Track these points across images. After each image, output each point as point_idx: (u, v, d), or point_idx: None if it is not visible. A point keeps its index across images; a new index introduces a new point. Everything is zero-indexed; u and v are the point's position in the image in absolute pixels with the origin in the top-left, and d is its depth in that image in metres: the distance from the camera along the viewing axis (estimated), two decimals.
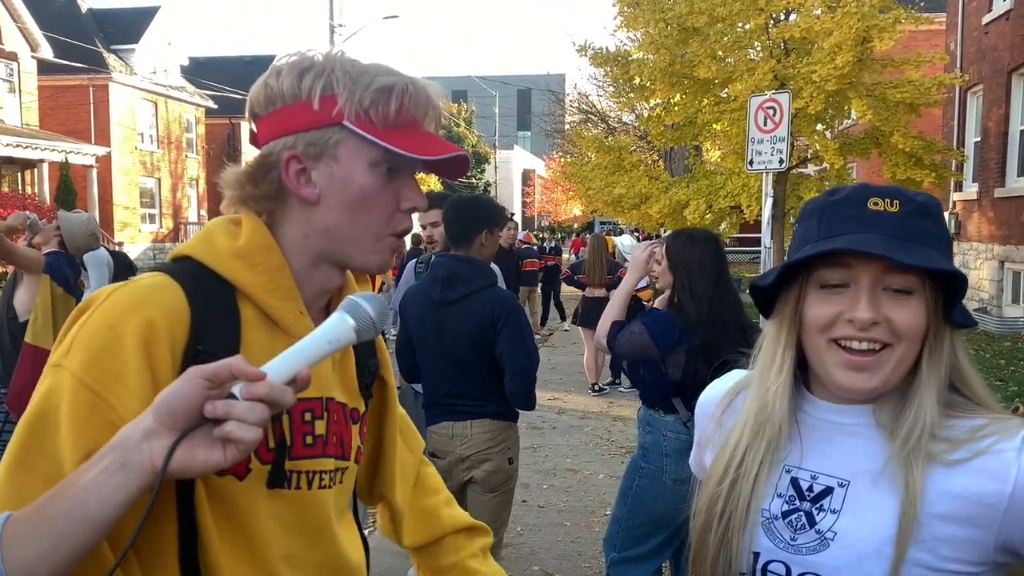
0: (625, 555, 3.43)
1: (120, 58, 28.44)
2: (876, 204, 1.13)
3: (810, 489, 1.18)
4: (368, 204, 1.16)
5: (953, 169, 13.81)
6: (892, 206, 1.12)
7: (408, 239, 16.08)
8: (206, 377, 0.91)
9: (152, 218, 29.96)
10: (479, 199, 3.76)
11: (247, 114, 1.20)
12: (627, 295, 3.53)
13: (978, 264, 14.46)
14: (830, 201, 1.17)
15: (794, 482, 1.20)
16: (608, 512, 5.47)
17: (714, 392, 1.40)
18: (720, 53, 12.12)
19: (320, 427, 1.16)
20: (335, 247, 1.18)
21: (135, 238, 28.17)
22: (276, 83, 1.14)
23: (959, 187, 15.28)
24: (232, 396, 0.92)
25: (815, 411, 1.21)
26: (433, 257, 4.68)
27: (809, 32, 11.32)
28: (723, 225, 13.99)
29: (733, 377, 1.37)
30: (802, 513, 1.17)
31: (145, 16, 30.20)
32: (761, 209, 8.75)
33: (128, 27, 29.30)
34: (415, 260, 4.86)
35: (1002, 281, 13.61)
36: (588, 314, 9.60)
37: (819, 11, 11.52)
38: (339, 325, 1.03)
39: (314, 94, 1.12)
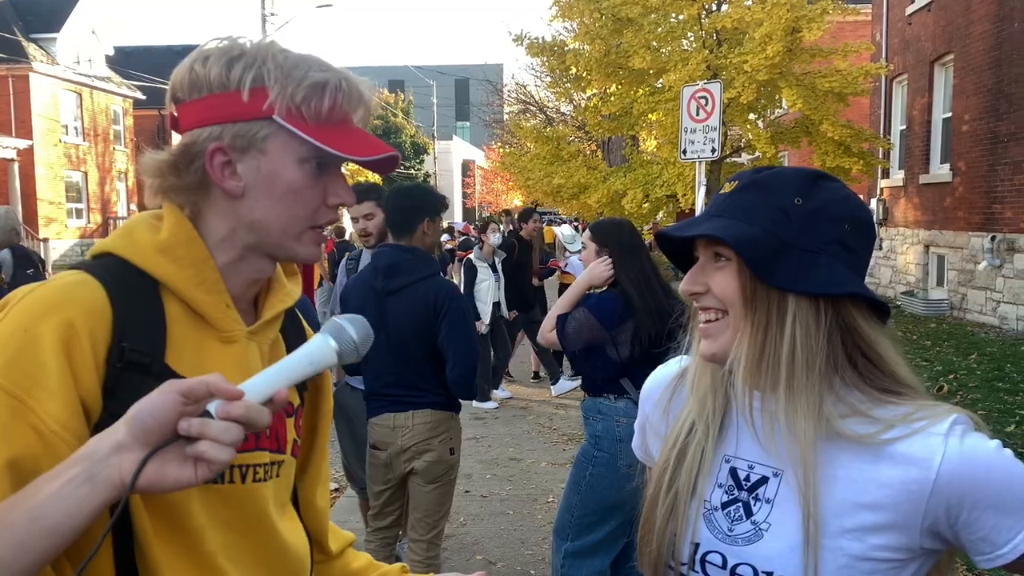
0: (579, 545, 3.42)
1: (41, 47, 27.43)
2: (724, 188, 1.18)
3: (747, 479, 1.17)
4: (295, 199, 1.14)
5: (880, 157, 14.22)
6: (731, 187, 1.16)
7: (332, 232, 15.67)
8: (182, 393, 0.89)
9: (79, 213, 29.03)
10: (420, 188, 3.74)
11: (168, 97, 1.16)
12: (575, 297, 3.54)
13: (904, 249, 14.94)
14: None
15: (732, 472, 1.19)
16: (551, 500, 5.52)
17: (660, 377, 1.39)
18: (654, 43, 12.25)
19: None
20: (261, 239, 1.15)
21: (61, 233, 27.28)
22: (203, 70, 1.10)
23: (886, 174, 15.75)
24: (207, 413, 0.90)
25: (750, 399, 1.18)
26: (364, 251, 4.65)
27: (740, 23, 11.53)
28: (660, 214, 14.17)
29: (679, 362, 1.35)
30: (740, 504, 1.16)
31: (66, 4, 29.13)
32: (695, 198, 8.88)
33: (49, 15, 28.25)
34: (346, 257, 4.80)
35: (927, 265, 14.09)
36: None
37: (750, 2, 11.74)
38: (321, 347, 1.02)
39: (244, 85, 1.09)
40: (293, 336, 1.30)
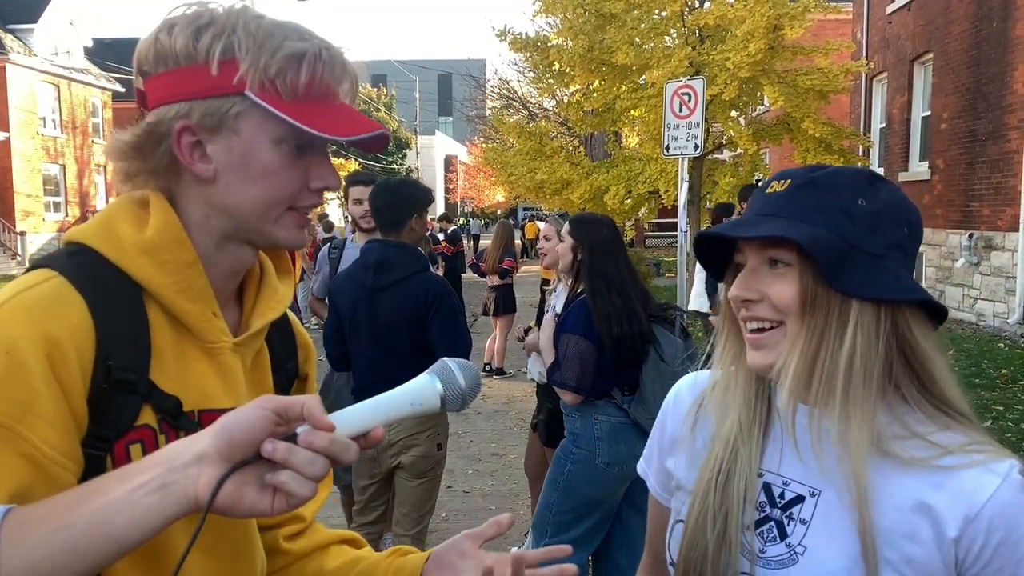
0: (556, 540, 3.40)
1: (18, 38, 27.08)
2: (772, 187, 1.10)
3: (781, 496, 1.09)
4: (271, 182, 1.03)
5: (860, 154, 14.33)
6: (782, 186, 1.09)
7: (320, 225, 15.52)
8: (277, 411, 0.83)
9: (57, 206, 28.71)
10: (406, 183, 3.73)
11: (135, 71, 1.05)
12: (547, 348, 3.57)
13: None
14: (756, 190, 1.15)
15: (766, 488, 1.11)
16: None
17: (681, 393, 1.29)
18: (637, 40, 12.27)
19: None
20: (238, 225, 1.05)
21: (39, 227, 26.96)
22: (168, 40, 0.99)
23: None
24: (294, 436, 0.84)
25: (795, 412, 1.09)
26: (350, 239, 4.65)
27: (723, 20, 11.57)
28: (642, 210, 14.21)
29: (694, 378, 1.28)
30: (773, 523, 1.09)
31: None
32: (678, 194, 8.92)
33: (26, 6, 27.89)
34: (328, 246, 4.81)
35: None
36: (495, 303, 9.70)
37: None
38: (426, 389, 0.96)
39: (212, 57, 0.98)
40: (278, 342, 1.21)
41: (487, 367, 9.78)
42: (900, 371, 1.05)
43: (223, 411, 1.01)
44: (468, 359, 3.40)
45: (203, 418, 1.02)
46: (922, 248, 13.12)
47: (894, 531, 1.00)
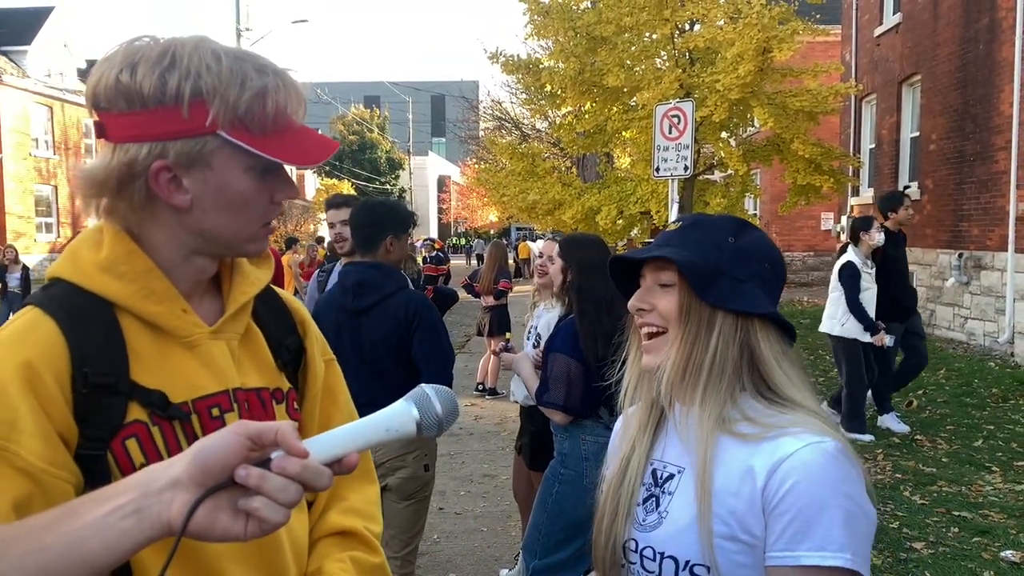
0: (546, 563, 3.41)
1: (11, 60, 27.14)
2: (670, 226, 1.42)
3: (661, 477, 1.37)
4: (245, 207, 1.13)
5: (850, 174, 14.42)
6: (676, 226, 1.40)
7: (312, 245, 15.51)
8: (250, 437, 0.85)
9: (49, 227, 28.65)
10: (385, 204, 3.73)
11: (88, 102, 1.10)
12: (529, 379, 3.63)
13: None
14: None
15: (653, 472, 1.39)
16: None
17: (628, 410, 1.52)
18: (628, 62, 12.35)
19: (232, 419, 1.13)
20: (207, 244, 1.14)
21: (31, 248, 26.87)
22: (132, 81, 1.04)
23: (856, 192, 15.98)
24: (268, 462, 0.85)
25: (674, 410, 1.40)
26: (336, 265, 4.67)
27: (713, 42, 11.66)
28: (634, 230, 14.25)
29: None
30: (654, 498, 1.36)
31: (38, 17, 28.89)
32: (668, 215, 8.95)
33: (20, 28, 27.97)
34: (318, 271, 4.86)
35: None
36: (490, 324, 9.68)
37: (722, 22, 11.87)
38: (402, 415, 0.97)
39: (183, 100, 1.04)
40: (269, 319, 1.27)
41: (480, 387, 9.76)
42: (747, 372, 1.32)
43: (214, 396, 1.12)
44: (451, 372, 3.41)
45: (197, 406, 1.10)
46: (913, 268, 13.23)
47: (725, 490, 1.25)
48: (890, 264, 7.11)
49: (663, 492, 1.34)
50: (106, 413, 1.04)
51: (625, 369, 1.48)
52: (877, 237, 6.89)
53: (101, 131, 1.10)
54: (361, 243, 3.49)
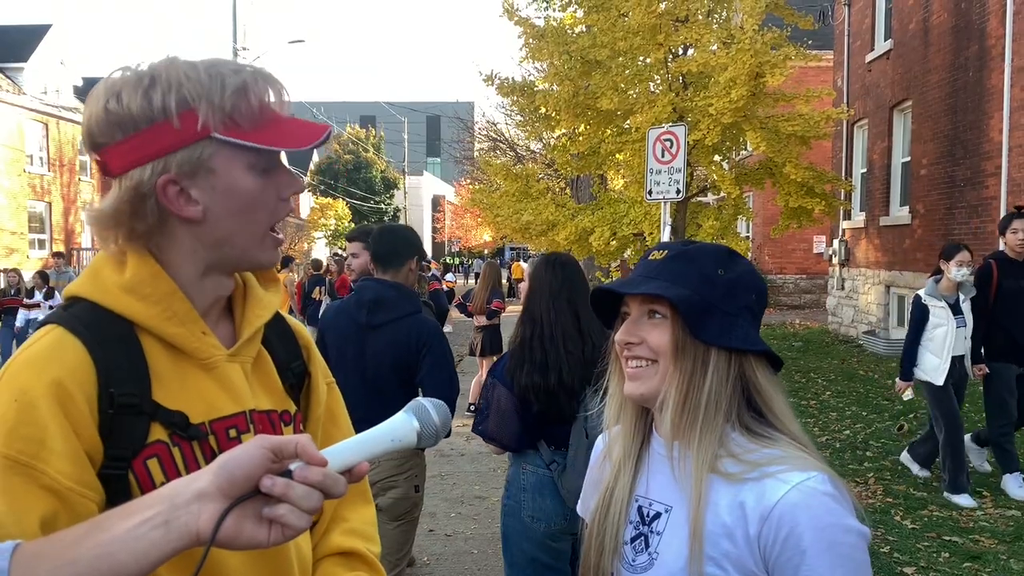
0: None
1: (7, 76, 27.17)
2: (654, 256, 1.36)
3: (648, 514, 1.34)
4: (256, 205, 1.14)
5: (842, 198, 14.51)
6: (661, 255, 1.35)
7: (309, 265, 15.52)
8: (272, 449, 0.89)
9: (42, 244, 28.58)
10: (410, 229, 3.86)
11: (87, 145, 1.13)
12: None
13: (866, 289, 15.19)
14: (643, 256, 1.40)
15: (639, 510, 1.36)
16: None
17: (604, 434, 1.51)
18: (622, 85, 12.44)
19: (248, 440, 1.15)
20: (224, 255, 1.16)
21: (23, 264, 26.78)
22: (119, 106, 1.07)
23: (848, 216, 16.07)
24: (288, 472, 0.90)
25: (655, 445, 1.38)
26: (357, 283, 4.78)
27: (706, 67, 11.76)
28: (627, 252, 14.29)
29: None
30: (643, 536, 1.33)
31: (35, 34, 28.96)
32: (661, 237, 8.98)
33: (16, 45, 28.02)
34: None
35: (888, 305, 14.34)
36: (482, 344, 9.70)
37: (715, 47, 11.98)
38: (404, 425, 1.03)
39: (171, 113, 1.07)
40: (278, 344, 1.30)
41: (472, 407, 9.74)
42: (742, 406, 1.30)
43: (231, 417, 1.14)
44: (455, 405, 3.42)
45: (215, 427, 1.12)
46: (904, 291, 13.27)
47: (716, 532, 1.23)
48: (1007, 296, 6.01)
49: (651, 531, 1.32)
50: (130, 433, 1.06)
51: (605, 397, 1.44)
52: (955, 273, 5.80)
53: (104, 170, 1.12)
54: (384, 260, 3.53)
